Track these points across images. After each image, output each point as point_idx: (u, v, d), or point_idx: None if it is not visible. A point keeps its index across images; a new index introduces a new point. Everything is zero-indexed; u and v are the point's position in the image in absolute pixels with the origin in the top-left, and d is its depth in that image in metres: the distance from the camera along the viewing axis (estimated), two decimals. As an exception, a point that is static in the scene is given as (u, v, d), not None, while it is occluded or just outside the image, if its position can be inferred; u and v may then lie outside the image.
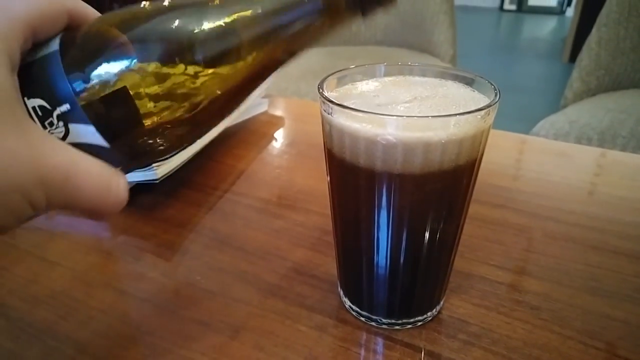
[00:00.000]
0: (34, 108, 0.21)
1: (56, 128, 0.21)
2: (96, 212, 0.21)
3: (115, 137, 0.22)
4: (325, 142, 0.30)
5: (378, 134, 0.25)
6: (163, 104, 0.22)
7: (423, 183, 0.27)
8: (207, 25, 0.23)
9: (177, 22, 0.23)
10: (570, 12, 4.77)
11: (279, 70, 0.26)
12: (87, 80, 0.21)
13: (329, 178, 0.31)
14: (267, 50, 0.24)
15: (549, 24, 5.04)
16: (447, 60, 1.53)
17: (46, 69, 0.21)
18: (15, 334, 0.32)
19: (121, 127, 0.22)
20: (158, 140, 0.24)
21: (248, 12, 0.23)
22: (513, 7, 5.53)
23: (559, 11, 5.35)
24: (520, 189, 0.51)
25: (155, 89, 0.22)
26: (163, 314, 0.34)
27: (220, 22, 0.23)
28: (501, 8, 5.60)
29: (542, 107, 2.02)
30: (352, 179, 0.28)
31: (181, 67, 0.22)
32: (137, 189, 0.48)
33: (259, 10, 0.24)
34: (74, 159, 0.20)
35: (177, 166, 0.48)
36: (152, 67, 0.22)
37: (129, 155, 0.24)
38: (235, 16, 0.23)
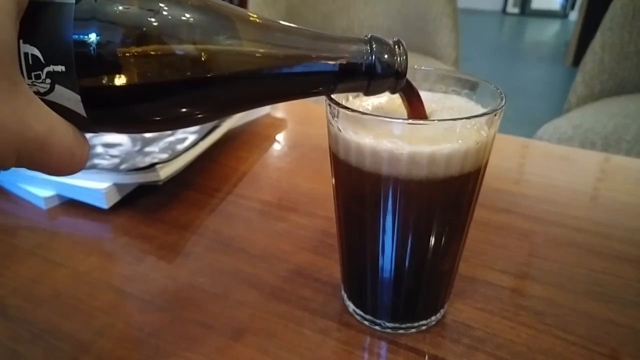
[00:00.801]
0: (25, 55, 0.19)
1: (41, 82, 0.20)
2: (52, 173, 0.21)
3: (96, 112, 0.21)
4: (331, 145, 0.30)
5: (383, 140, 0.25)
6: (162, 95, 0.21)
7: (428, 189, 0.27)
8: (235, 33, 0.22)
9: (211, 20, 0.21)
10: (573, 15, 4.78)
11: (262, 105, 0.25)
12: (94, 50, 0.19)
13: (333, 181, 0.31)
14: (265, 76, 0.23)
15: (552, 28, 5.04)
16: (450, 63, 1.53)
17: (54, 21, 0.20)
18: (17, 333, 0.32)
19: (107, 107, 0.21)
20: (138, 122, 0.23)
21: (271, 39, 0.23)
22: (516, 10, 5.53)
23: (562, 15, 5.35)
24: (524, 193, 0.51)
25: (160, 78, 0.21)
26: (165, 315, 0.34)
27: (248, 38, 0.22)
28: (504, 11, 5.60)
29: (545, 111, 2.02)
30: (358, 182, 0.28)
31: (198, 60, 0.21)
32: (140, 191, 0.48)
33: (281, 42, 0.23)
34: (52, 127, 0.20)
35: (180, 168, 0.48)
36: (166, 56, 0.20)
37: (101, 126, 0.23)
38: (259, 39, 0.23)
